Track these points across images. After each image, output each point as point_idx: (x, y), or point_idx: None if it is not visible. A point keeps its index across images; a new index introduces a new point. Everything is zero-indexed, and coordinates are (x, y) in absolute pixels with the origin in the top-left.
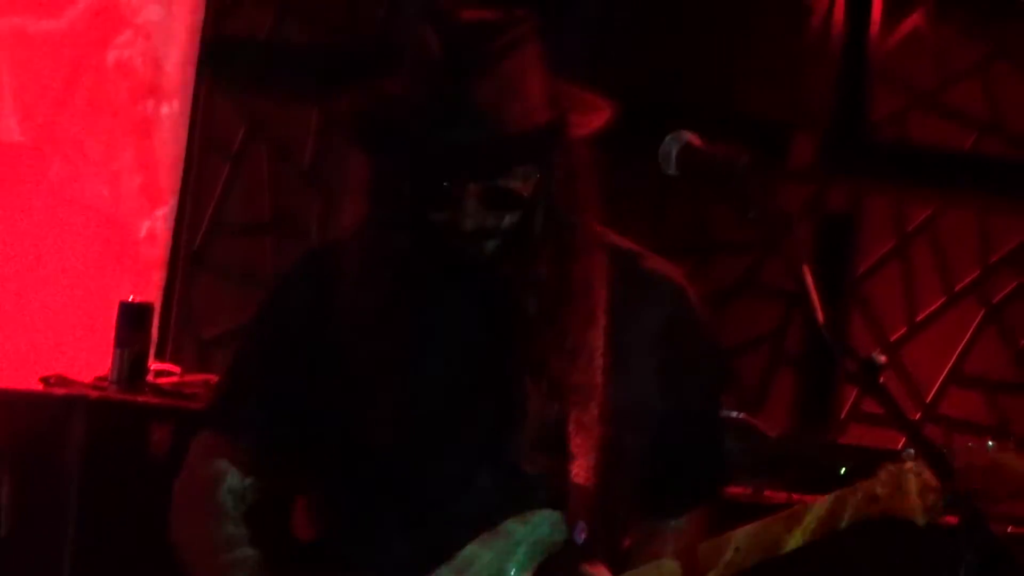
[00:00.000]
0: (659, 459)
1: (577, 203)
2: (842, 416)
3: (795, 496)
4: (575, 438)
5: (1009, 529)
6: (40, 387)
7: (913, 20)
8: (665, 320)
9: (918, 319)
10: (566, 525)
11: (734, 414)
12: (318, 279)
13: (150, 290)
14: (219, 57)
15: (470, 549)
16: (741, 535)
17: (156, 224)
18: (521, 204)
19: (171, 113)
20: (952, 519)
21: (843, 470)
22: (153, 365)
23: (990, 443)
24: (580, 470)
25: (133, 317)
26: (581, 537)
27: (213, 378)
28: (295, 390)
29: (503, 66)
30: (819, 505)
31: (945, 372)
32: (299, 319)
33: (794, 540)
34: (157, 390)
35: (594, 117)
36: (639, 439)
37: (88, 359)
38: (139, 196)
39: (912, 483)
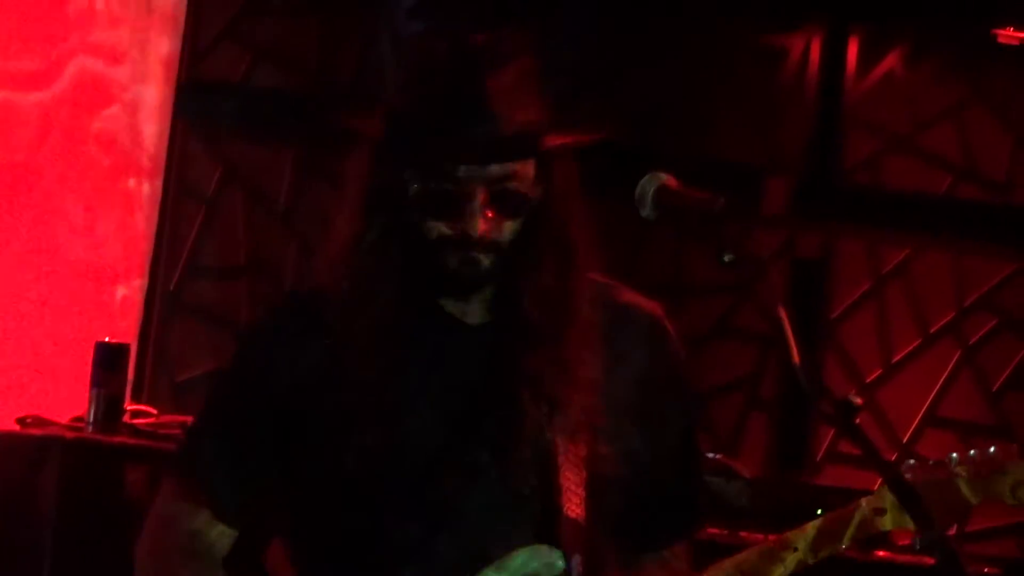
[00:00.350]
0: (641, 492)
1: (576, 216)
2: (818, 457)
3: (771, 537)
4: (566, 470)
5: (985, 570)
6: (16, 428)
7: (888, 64)
8: (645, 354)
9: (894, 361)
10: (563, 560)
11: (711, 456)
12: (299, 320)
13: (126, 331)
14: (194, 101)
15: None
16: (728, 566)
17: (132, 266)
18: (526, 207)
19: (150, 158)
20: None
21: (819, 511)
22: (129, 406)
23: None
24: (571, 504)
25: (109, 358)
26: (579, 572)
27: (189, 419)
28: (272, 436)
29: (509, 67)
30: (809, 529)
31: (921, 413)
32: (278, 362)
33: (780, 570)
34: (133, 431)
35: (589, 129)
36: (622, 471)
37: (64, 400)
38: (116, 238)
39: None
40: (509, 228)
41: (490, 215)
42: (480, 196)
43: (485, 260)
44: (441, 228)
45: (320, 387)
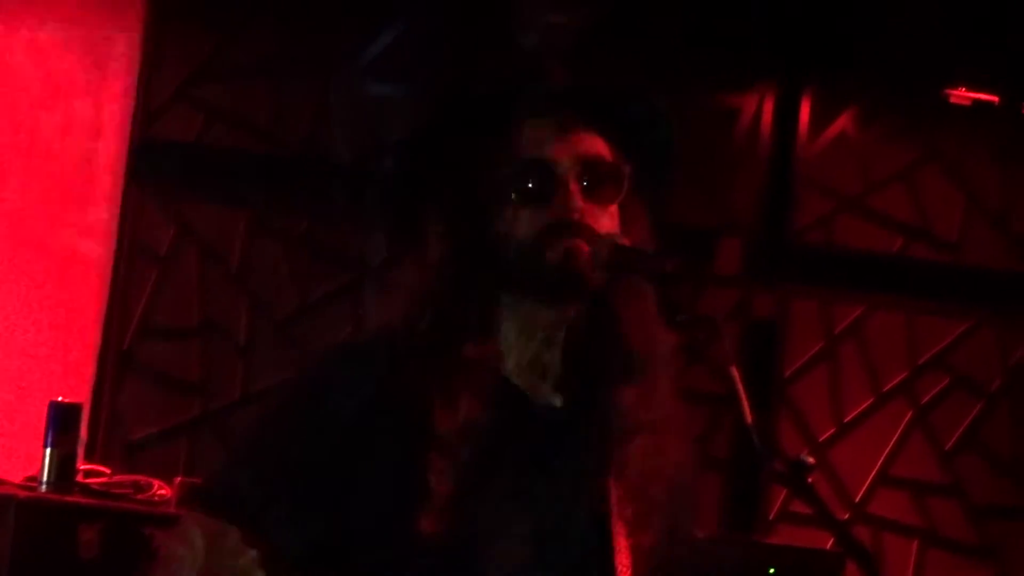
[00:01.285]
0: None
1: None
2: (771, 516)
3: None
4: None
5: None
6: None
7: (840, 124)
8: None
9: (846, 420)
10: None
11: None
12: (359, 367)
13: (79, 391)
14: (148, 160)
15: None
16: None
17: (85, 325)
18: (619, 190)
19: (102, 218)
20: None
21: (772, 570)
22: (82, 466)
23: None
24: None
25: (62, 417)
26: None
27: (142, 479)
28: (330, 482)
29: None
30: None
31: (873, 473)
32: (337, 406)
33: None
34: (86, 490)
35: None
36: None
37: (17, 459)
38: (69, 296)
39: None
40: (605, 218)
41: (585, 201)
42: (573, 174)
43: (585, 250)
44: (538, 218)
45: (398, 438)
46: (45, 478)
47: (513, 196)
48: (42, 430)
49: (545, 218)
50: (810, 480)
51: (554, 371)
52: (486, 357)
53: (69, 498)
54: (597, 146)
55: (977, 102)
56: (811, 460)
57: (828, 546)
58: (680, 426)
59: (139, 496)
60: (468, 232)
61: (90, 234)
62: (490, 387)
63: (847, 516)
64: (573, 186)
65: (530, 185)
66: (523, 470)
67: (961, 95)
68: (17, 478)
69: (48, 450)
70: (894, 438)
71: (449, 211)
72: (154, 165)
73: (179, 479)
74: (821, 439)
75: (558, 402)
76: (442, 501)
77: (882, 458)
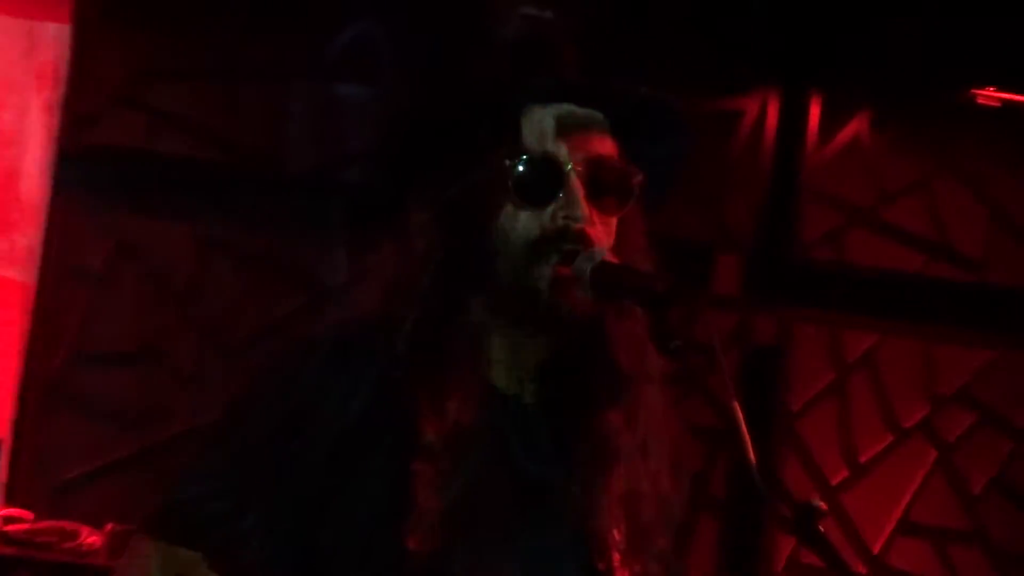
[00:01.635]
0: None
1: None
2: (777, 568)
3: None
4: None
5: None
6: None
7: (851, 130)
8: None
9: (861, 461)
10: None
11: None
12: (346, 360)
13: None
14: (80, 169)
15: None
16: None
17: (6, 353)
18: (629, 194)
19: (27, 232)
20: None
21: None
22: (1, 510)
23: None
24: None
25: None
26: None
27: (69, 525)
28: (310, 499)
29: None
30: None
31: (893, 520)
32: (326, 411)
33: None
34: (6, 538)
35: None
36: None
37: None
38: None
39: None
40: (606, 228)
41: (589, 207)
42: (578, 174)
43: (573, 277)
44: (537, 222)
45: (376, 440)
46: None
47: (511, 193)
48: None
49: (544, 223)
50: (821, 528)
51: (542, 391)
52: (474, 364)
53: None
54: (607, 146)
55: (1007, 103)
56: (822, 505)
57: None
58: (670, 449)
59: (65, 545)
60: (459, 230)
61: (11, 252)
62: (478, 396)
63: (864, 569)
64: (578, 189)
65: (531, 182)
66: (511, 491)
67: (989, 95)
68: None
69: None
70: (915, 481)
71: (440, 204)
72: (86, 174)
73: (111, 526)
74: (833, 482)
75: (546, 422)
76: (429, 517)
77: (903, 504)
